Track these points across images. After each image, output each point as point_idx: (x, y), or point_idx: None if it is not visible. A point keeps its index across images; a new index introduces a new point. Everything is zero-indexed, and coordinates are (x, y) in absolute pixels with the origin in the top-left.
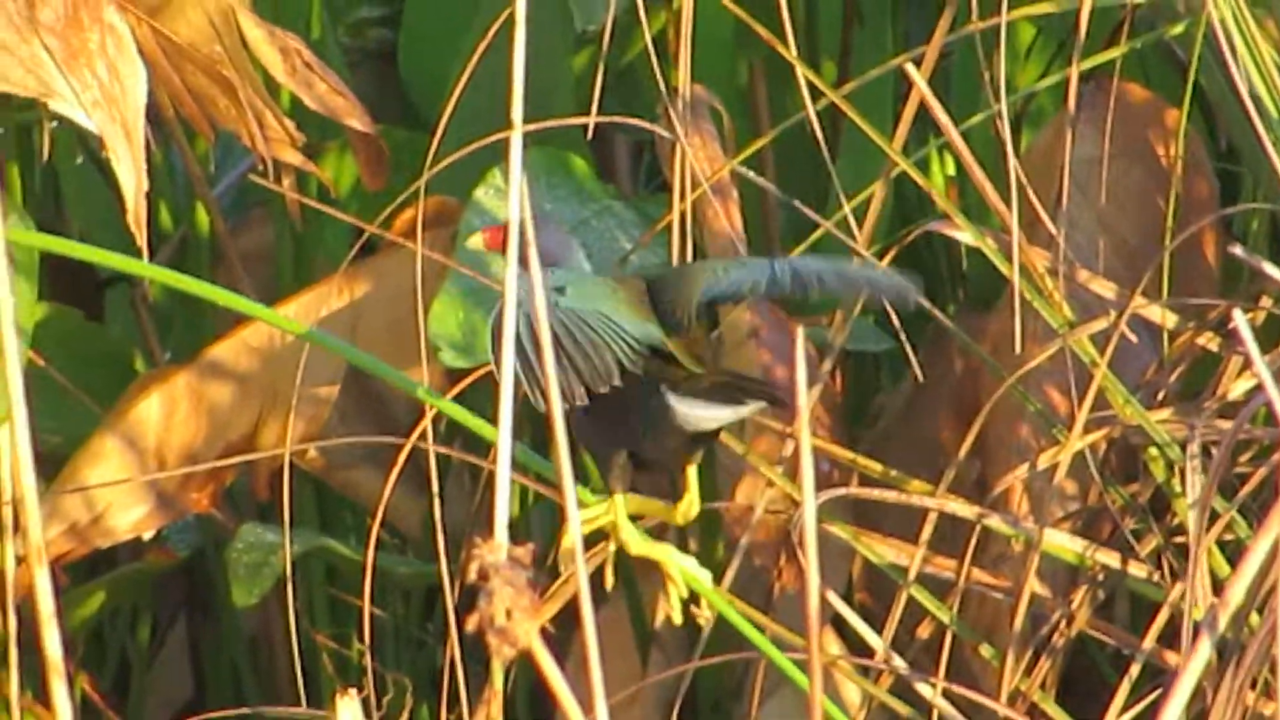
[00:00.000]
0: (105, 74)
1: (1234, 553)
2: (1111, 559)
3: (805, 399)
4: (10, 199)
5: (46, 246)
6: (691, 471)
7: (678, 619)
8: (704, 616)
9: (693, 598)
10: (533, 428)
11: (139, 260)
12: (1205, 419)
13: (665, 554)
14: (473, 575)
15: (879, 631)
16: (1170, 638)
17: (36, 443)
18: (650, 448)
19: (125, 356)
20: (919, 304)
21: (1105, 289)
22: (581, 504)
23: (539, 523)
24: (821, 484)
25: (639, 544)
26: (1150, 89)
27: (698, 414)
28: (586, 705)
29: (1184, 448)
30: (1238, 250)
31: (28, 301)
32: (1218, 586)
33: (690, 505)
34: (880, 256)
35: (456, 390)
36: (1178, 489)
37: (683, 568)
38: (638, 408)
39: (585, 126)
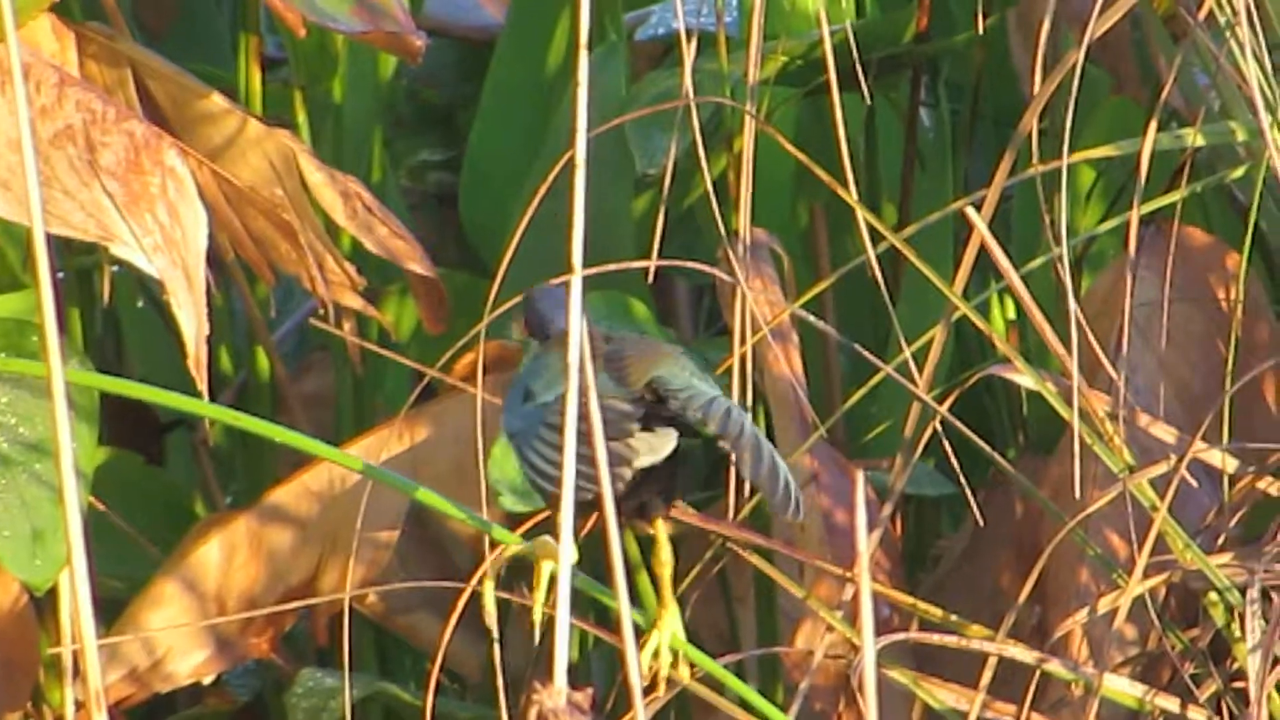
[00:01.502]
0: (166, 218)
1: None
2: (1171, 704)
3: (865, 543)
4: (71, 343)
5: (109, 388)
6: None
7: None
8: None
9: None
10: (592, 562)
11: (200, 401)
12: (1266, 563)
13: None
14: None
15: None
16: None
17: (96, 587)
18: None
19: (185, 501)
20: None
21: (1166, 433)
22: (639, 633)
23: (599, 666)
24: (881, 629)
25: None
26: (1211, 232)
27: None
28: None
29: (1244, 592)
30: None
31: (88, 446)
32: None
33: (663, 549)
34: (941, 400)
35: (518, 533)
36: (1238, 634)
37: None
38: None
39: (646, 270)
